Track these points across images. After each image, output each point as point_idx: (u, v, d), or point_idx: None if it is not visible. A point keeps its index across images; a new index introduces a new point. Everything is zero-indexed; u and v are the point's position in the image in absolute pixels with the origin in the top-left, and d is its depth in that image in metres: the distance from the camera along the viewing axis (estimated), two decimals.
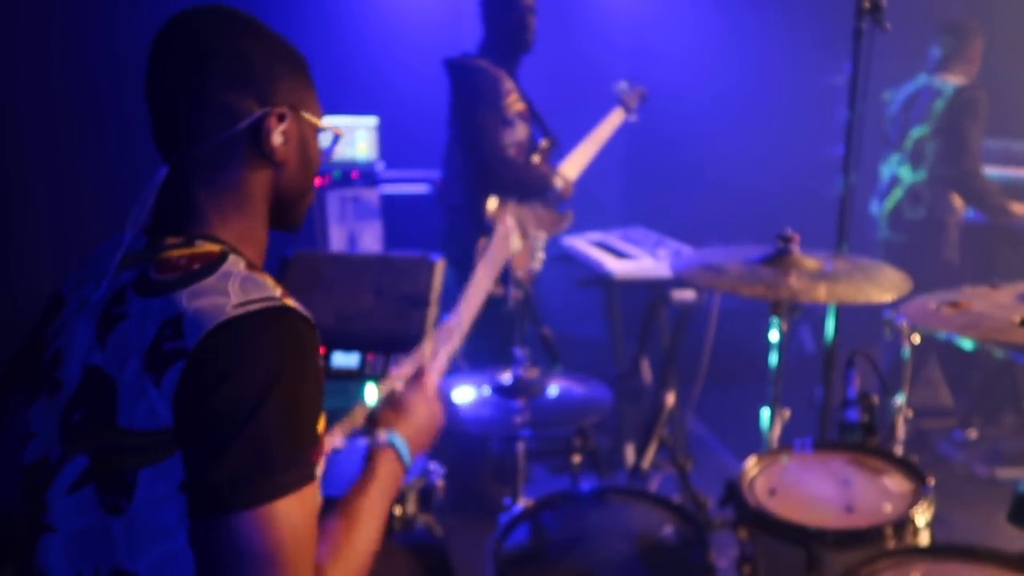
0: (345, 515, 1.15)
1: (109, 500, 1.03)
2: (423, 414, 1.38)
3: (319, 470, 1.09)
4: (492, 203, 3.30)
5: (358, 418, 1.49)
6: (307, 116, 1.21)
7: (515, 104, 3.37)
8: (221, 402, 0.98)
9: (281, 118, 1.15)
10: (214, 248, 1.11)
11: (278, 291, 1.07)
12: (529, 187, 3.40)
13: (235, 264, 1.09)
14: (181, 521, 1.01)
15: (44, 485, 1.10)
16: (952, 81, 3.81)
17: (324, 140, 1.26)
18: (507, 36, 3.40)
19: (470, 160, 3.35)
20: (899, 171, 3.93)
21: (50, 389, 1.13)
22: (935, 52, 3.91)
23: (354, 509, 1.17)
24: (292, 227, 1.25)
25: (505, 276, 3.05)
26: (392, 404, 1.38)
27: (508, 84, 3.37)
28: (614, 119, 3.74)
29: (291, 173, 1.20)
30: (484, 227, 3.36)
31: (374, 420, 1.35)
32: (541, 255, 3.60)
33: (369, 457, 1.27)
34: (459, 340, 1.54)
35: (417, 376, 1.45)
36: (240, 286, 1.04)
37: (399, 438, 1.31)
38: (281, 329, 1.03)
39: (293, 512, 0.99)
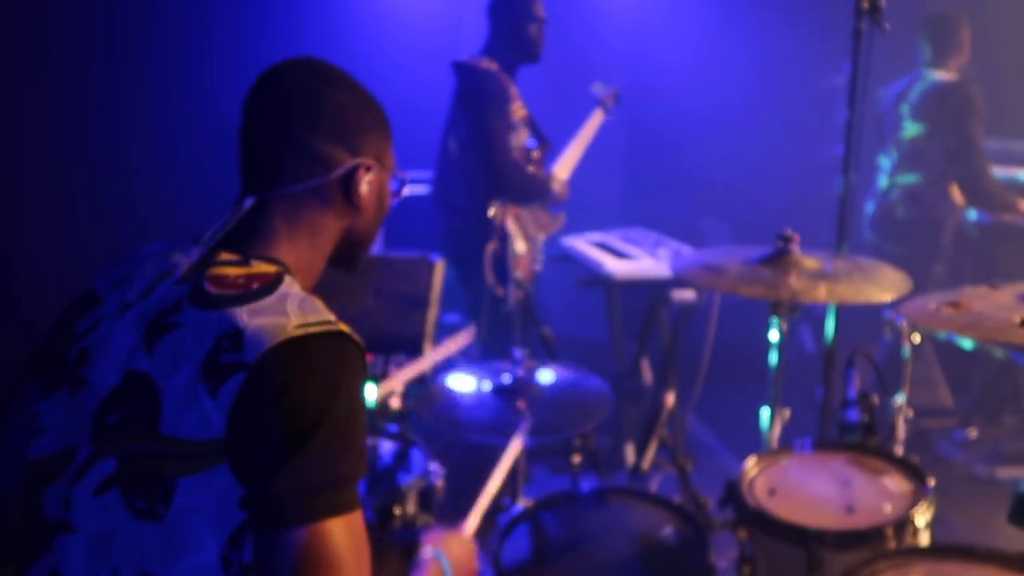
0: None
1: (142, 505, 1.04)
2: (466, 551, 1.45)
3: None
4: (494, 206, 3.32)
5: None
6: (386, 167, 1.29)
7: (519, 110, 3.40)
8: (282, 418, 1.00)
9: (368, 169, 1.24)
10: (270, 269, 1.14)
11: (333, 316, 1.11)
12: (534, 191, 3.46)
13: (291, 285, 1.13)
14: (215, 533, 1.02)
15: (51, 481, 1.10)
16: (944, 77, 3.80)
17: (392, 184, 1.34)
18: (518, 46, 3.45)
19: (478, 163, 3.35)
20: (892, 171, 3.92)
21: (73, 386, 1.13)
22: (924, 46, 3.90)
23: None
24: (351, 268, 1.34)
25: (505, 276, 3.05)
26: (440, 534, 1.45)
27: (513, 89, 3.40)
28: (595, 120, 3.80)
29: (367, 219, 1.28)
30: (488, 230, 3.37)
31: (414, 532, 1.41)
32: (542, 256, 3.62)
33: (420, 566, 1.34)
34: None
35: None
36: (299, 307, 1.08)
37: (446, 560, 1.37)
38: (340, 352, 1.07)
39: (350, 530, 1.02)
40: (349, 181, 1.22)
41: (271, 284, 1.11)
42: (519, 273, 3.47)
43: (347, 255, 1.30)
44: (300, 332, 1.04)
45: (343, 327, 1.09)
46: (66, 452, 1.11)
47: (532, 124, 3.53)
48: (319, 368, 1.04)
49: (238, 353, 1.02)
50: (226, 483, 1.01)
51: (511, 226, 3.40)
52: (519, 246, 3.50)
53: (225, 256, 1.15)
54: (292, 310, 1.07)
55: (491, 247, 3.34)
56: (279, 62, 1.24)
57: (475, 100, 3.36)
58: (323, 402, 1.01)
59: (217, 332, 1.04)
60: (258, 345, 1.02)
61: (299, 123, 1.19)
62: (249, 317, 1.05)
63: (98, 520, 1.07)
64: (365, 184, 1.23)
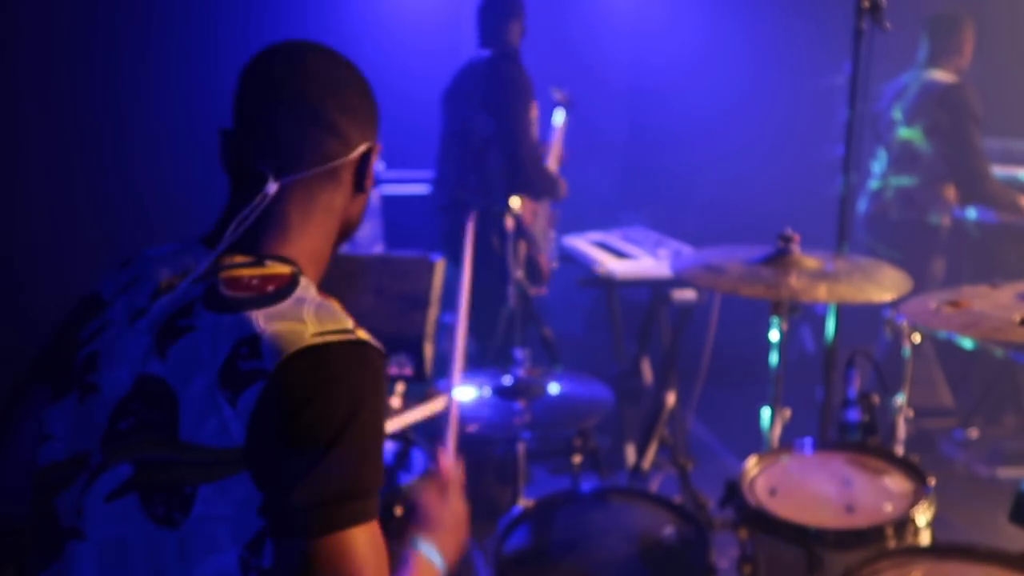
0: None
1: (162, 511, 1.02)
2: (447, 518, 1.40)
3: None
4: (516, 201, 3.33)
5: None
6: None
7: (534, 109, 3.43)
8: (304, 427, 0.99)
9: (375, 154, 1.25)
10: (285, 270, 1.12)
11: (350, 322, 1.09)
12: (553, 187, 3.54)
13: (307, 289, 1.11)
14: (234, 541, 1.01)
15: (63, 487, 1.09)
16: (940, 78, 3.79)
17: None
18: (517, 47, 3.49)
19: (501, 160, 3.37)
20: (885, 172, 3.91)
21: (81, 392, 1.12)
22: (923, 46, 3.89)
23: None
24: (339, 247, 1.32)
25: (505, 276, 3.05)
26: (415, 518, 1.41)
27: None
28: (562, 120, 3.88)
29: (361, 203, 1.28)
30: (504, 228, 3.36)
31: (400, 531, 1.39)
32: (557, 253, 3.66)
33: (406, 562, 1.32)
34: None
35: (431, 478, 1.49)
36: (315, 313, 1.06)
37: (428, 546, 1.34)
38: (360, 361, 1.05)
39: (371, 539, 1.02)
40: (364, 164, 1.23)
41: (286, 287, 1.09)
42: (543, 269, 3.50)
43: (342, 238, 1.29)
44: (319, 340, 1.03)
45: (362, 334, 1.08)
46: (77, 458, 1.10)
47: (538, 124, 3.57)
48: (339, 377, 1.02)
49: (257, 360, 1.01)
50: (246, 491, 1.00)
51: (533, 224, 3.43)
52: (542, 243, 3.53)
53: (239, 258, 1.13)
54: (309, 316, 1.05)
55: (523, 247, 3.35)
56: (283, 42, 1.22)
57: (504, 94, 3.38)
58: (345, 412, 1.01)
59: (234, 337, 1.03)
60: (277, 352, 1.01)
61: (328, 100, 1.18)
62: (266, 322, 1.04)
63: (110, 527, 1.05)
64: (371, 168, 1.24)
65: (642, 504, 2.03)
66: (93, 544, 1.06)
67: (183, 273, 1.14)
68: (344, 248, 1.35)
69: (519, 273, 3.34)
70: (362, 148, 1.22)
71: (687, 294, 3.39)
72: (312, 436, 0.99)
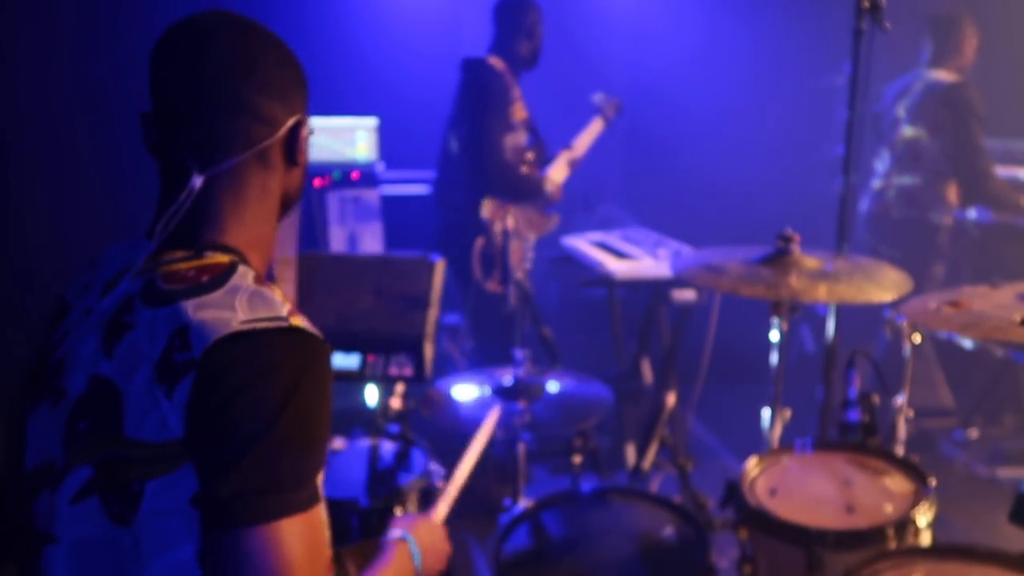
0: None
1: (117, 510, 1.02)
2: (436, 536, 1.42)
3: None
4: (488, 204, 3.35)
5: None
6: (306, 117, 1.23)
7: (520, 112, 3.44)
8: (234, 416, 0.98)
9: (304, 124, 1.19)
10: (223, 259, 1.10)
11: (286, 308, 1.07)
12: (525, 191, 3.51)
13: (243, 277, 1.08)
14: (188, 534, 1.00)
15: (37, 493, 1.09)
16: (943, 78, 3.79)
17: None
18: (524, 53, 3.49)
19: (470, 160, 3.40)
20: (888, 171, 3.92)
21: (53, 398, 1.12)
22: (926, 46, 3.90)
23: None
24: (278, 223, 1.27)
25: (505, 276, 3.05)
26: (409, 518, 1.44)
27: (516, 91, 3.45)
28: (594, 129, 3.83)
29: (299, 174, 1.23)
30: (480, 227, 3.40)
31: (383, 522, 1.39)
32: (531, 255, 3.65)
33: (386, 547, 1.32)
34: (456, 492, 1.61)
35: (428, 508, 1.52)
36: (248, 302, 1.04)
37: (415, 542, 1.35)
38: (291, 347, 1.03)
39: (303, 531, 0.99)
40: (294, 139, 1.18)
41: (221, 276, 1.07)
42: (517, 273, 3.48)
43: (281, 214, 1.25)
44: (245, 327, 1.01)
45: (297, 321, 1.05)
46: (47, 464, 1.10)
47: (532, 126, 3.56)
48: (271, 365, 1.00)
49: (187, 351, 1.00)
50: (192, 484, 0.99)
51: (511, 225, 3.42)
52: (512, 245, 3.52)
53: (179, 253, 1.11)
54: (240, 305, 1.03)
55: (479, 242, 3.37)
56: (190, 17, 1.15)
57: (476, 98, 3.41)
58: (275, 400, 0.99)
59: (169, 330, 1.02)
60: (203, 339, 0.99)
61: (243, 83, 1.12)
62: (195, 311, 1.02)
63: (77, 529, 1.05)
64: (303, 140, 1.19)
65: (642, 504, 2.03)
66: (64, 547, 1.06)
67: (125, 269, 1.13)
68: (344, 248, 1.35)
69: (519, 273, 3.34)
70: (289, 123, 1.17)
71: (687, 294, 3.38)
72: (241, 424, 0.97)
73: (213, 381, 0.98)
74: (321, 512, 1.05)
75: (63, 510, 1.06)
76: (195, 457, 0.99)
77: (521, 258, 3.59)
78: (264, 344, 1.01)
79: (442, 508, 1.55)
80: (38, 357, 1.19)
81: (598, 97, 3.83)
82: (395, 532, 1.35)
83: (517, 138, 3.43)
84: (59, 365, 1.13)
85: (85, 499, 1.04)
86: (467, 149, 3.43)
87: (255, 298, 1.05)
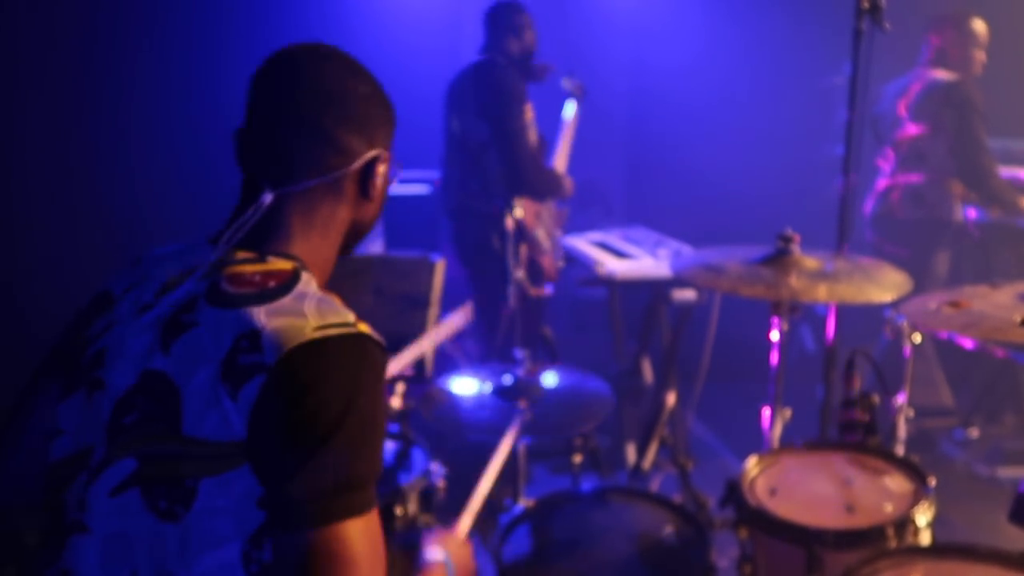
0: None
1: (164, 505, 1.03)
2: (466, 553, 1.48)
3: None
4: (520, 206, 3.33)
5: None
6: (389, 155, 1.27)
7: (529, 111, 3.43)
8: (302, 419, 1.00)
9: (383, 161, 1.23)
10: (287, 265, 1.13)
11: (351, 316, 1.09)
12: (555, 187, 3.52)
13: (308, 284, 1.12)
14: (236, 533, 1.01)
15: (70, 482, 1.10)
16: (943, 77, 3.79)
17: (393, 174, 1.32)
18: (511, 55, 3.49)
19: (499, 163, 3.37)
20: (893, 171, 3.91)
21: (89, 388, 1.13)
22: (925, 46, 3.90)
23: None
24: (346, 254, 1.31)
25: (506, 276, 3.05)
26: (442, 534, 1.49)
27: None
28: (572, 112, 3.85)
29: (374, 209, 1.27)
30: (505, 231, 3.37)
31: (388, 523, 1.42)
32: (562, 252, 3.66)
33: (426, 568, 1.37)
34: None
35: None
36: (316, 308, 1.07)
37: (452, 563, 1.39)
38: (360, 354, 1.06)
39: (367, 532, 1.02)
40: (367, 173, 1.21)
41: (288, 282, 1.10)
42: (547, 269, 3.50)
43: (350, 244, 1.28)
44: (319, 335, 1.03)
45: (363, 327, 1.08)
46: (82, 453, 1.11)
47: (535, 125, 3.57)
48: (338, 370, 1.03)
49: (258, 354, 1.01)
50: (247, 484, 1.01)
51: (534, 225, 3.43)
52: (545, 243, 3.53)
53: (241, 254, 1.14)
54: (310, 311, 1.06)
55: (524, 249, 3.36)
56: (290, 47, 1.21)
57: (495, 99, 3.38)
58: (342, 404, 1.01)
59: (235, 332, 1.04)
60: (278, 347, 1.01)
61: (325, 114, 1.17)
62: (267, 317, 1.04)
63: (114, 521, 1.06)
64: (380, 176, 1.23)
65: (642, 504, 2.03)
66: (97, 538, 1.07)
67: (189, 271, 1.15)
68: None
69: (519, 273, 3.34)
70: (366, 157, 1.21)
71: (687, 294, 3.39)
72: (310, 428, 0.99)
73: (284, 386, 1.00)
74: (377, 516, 1.06)
75: (100, 501, 1.07)
76: (257, 458, 1.01)
77: (555, 255, 3.61)
78: (335, 350, 1.04)
79: (466, 521, 1.56)
80: (66, 346, 1.20)
81: (565, 81, 3.87)
82: (436, 553, 1.38)
83: (533, 135, 3.43)
84: (99, 356, 1.14)
85: (125, 492, 1.05)
86: (491, 153, 3.39)
87: (323, 304, 1.08)
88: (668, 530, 1.91)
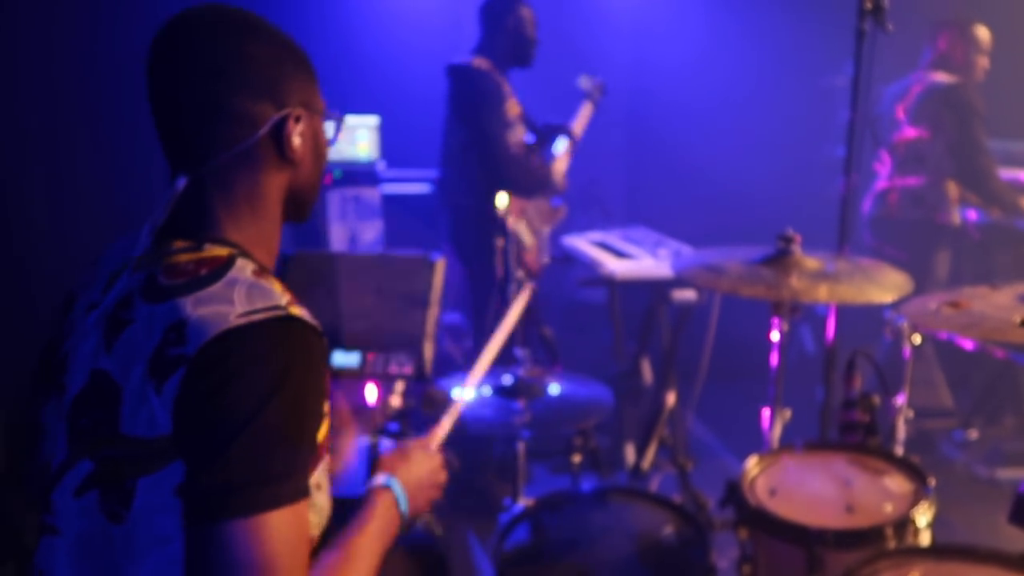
0: (342, 550, 1.12)
1: (111, 508, 1.02)
2: (425, 469, 1.37)
3: (325, 477, 1.08)
4: (502, 200, 3.33)
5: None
6: (316, 111, 1.21)
7: (513, 107, 3.43)
8: (219, 409, 0.97)
9: (297, 119, 1.16)
10: (222, 252, 1.10)
11: (285, 299, 1.06)
12: (537, 183, 3.51)
13: (242, 269, 1.08)
14: (178, 529, 0.99)
15: (50, 486, 1.10)
16: (943, 79, 3.79)
17: (328, 130, 1.26)
18: (509, 49, 3.49)
19: (479, 162, 3.39)
20: (891, 173, 3.91)
21: (57, 392, 1.12)
22: (927, 49, 3.90)
23: (352, 546, 1.14)
24: (301, 220, 1.25)
25: (506, 275, 3.05)
26: (396, 452, 1.37)
27: (507, 88, 3.44)
28: (585, 113, 3.83)
29: (306, 170, 1.21)
30: (493, 226, 3.38)
31: (375, 463, 1.34)
32: (548, 248, 3.66)
33: (367, 497, 1.25)
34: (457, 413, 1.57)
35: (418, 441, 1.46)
36: (246, 294, 1.03)
37: (398, 485, 1.29)
38: (284, 338, 1.02)
39: (287, 525, 0.97)
40: (279, 135, 1.14)
41: (220, 269, 1.06)
42: (529, 266, 3.50)
43: (296, 211, 1.22)
44: (243, 321, 1.00)
45: (295, 310, 1.04)
46: (52, 456, 1.10)
47: (527, 120, 3.57)
48: (261, 355, 0.99)
49: (181, 346, 0.99)
50: (181, 479, 0.98)
51: (516, 221, 3.43)
52: (527, 240, 3.53)
53: (179, 243, 1.10)
54: (239, 298, 1.02)
55: (500, 243, 3.36)
56: (175, 19, 1.12)
57: (469, 102, 3.42)
58: (263, 391, 0.97)
59: (164, 325, 1.01)
60: (198, 337, 0.98)
61: (217, 86, 1.10)
62: (194, 307, 1.01)
63: (80, 523, 1.05)
64: (297, 135, 1.15)
65: (642, 504, 2.03)
66: (66, 540, 1.07)
67: (125, 265, 1.12)
68: (345, 247, 1.34)
69: (520, 273, 3.34)
70: (273, 119, 1.14)
71: (687, 294, 3.38)
72: (227, 417, 0.96)
73: (202, 374, 0.97)
74: (306, 507, 1.02)
75: (68, 503, 1.06)
76: (184, 452, 0.98)
77: (539, 253, 3.60)
78: (257, 334, 1.00)
79: (441, 429, 1.48)
80: (47, 352, 1.19)
81: (583, 81, 3.84)
82: (378, 478, 1.29)
83: (517, 133, 3.43)
84: (63, 361, 1.13)
85: (86, 493, 1.04)
86: (471, 153, 3.42)
87: (253, 290, 1.04)
88: (668, 530, 1.90)
